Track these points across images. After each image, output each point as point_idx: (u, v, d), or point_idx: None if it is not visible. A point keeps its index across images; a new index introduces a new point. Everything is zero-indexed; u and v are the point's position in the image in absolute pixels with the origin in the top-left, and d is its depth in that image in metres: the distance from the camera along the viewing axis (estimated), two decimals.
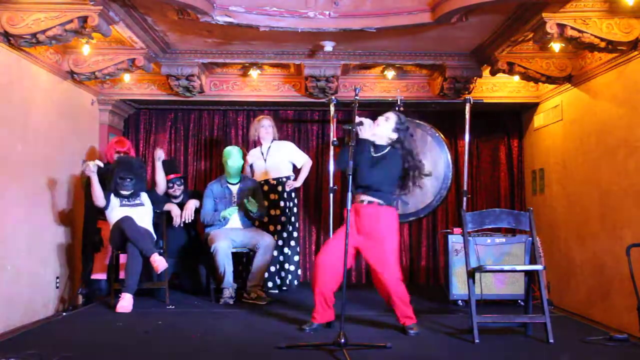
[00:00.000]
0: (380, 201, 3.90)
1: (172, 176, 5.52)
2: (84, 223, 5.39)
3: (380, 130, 4.01)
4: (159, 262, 4.59)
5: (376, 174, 3.89)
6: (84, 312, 4.67)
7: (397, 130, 3.99)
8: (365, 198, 3.92)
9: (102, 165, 4.97)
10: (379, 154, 3.98)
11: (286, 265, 5.61)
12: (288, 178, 5.69)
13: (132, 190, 5.02)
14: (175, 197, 5.54)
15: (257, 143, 5.87)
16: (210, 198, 5.40)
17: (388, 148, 4.00)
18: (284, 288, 5.59)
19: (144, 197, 5.12)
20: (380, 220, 3.88)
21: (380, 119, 4.05)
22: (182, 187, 5.60)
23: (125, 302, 4.59)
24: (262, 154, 5.71)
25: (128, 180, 4.96)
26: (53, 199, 5.00)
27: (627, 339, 3.78)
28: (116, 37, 4.73)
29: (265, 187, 5.63)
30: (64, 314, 4.79)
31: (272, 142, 5.75)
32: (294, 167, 5.84)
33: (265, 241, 5.06)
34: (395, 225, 3.99)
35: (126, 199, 5.02)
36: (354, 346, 3.34)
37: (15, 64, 4.43)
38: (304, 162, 5.84)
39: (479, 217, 4.04)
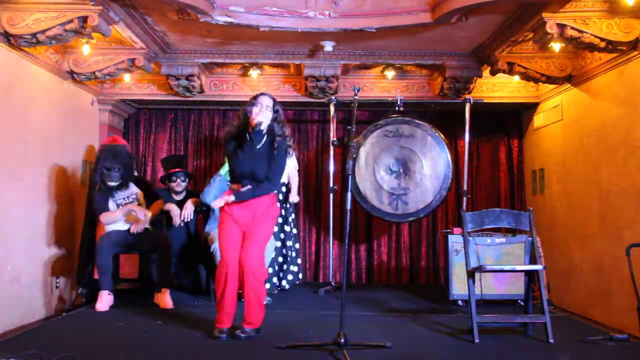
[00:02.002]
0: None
1: (175, 170, 5.49)
2: (84, 225, 5.34)
3: (264, 118, 3.76)
4: (100, 302, 4.62)
5: (258, 164, 3.72)
6: (84, 312, 4.67)
7: (274, 118, 3.79)
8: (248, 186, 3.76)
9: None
10: (260, 145, 3.77)
11: (285, 266, 5.60)
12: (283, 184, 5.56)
13: (120, 182, 4.90)
14: (177, 192, 5.50)
15: None
16: (215, 183, 5.31)
17: (265, 137, 3.78)
18: (284, 289, 5.59)
19: (140, 196, 5.02)
20: (261, 206, 3.75)
21: (263, 109, 3.74)
22: (185, 183, 5.55)
23: (168, 298, 4.76)
24: None
25: (115, 170, 4.87)
26: (53, 199, 5.00)
27: (627, 339, 3.78)
28: (116, 37, 4.73)
29: None
30: (64, 314, 4.78)
31: None
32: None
33: None
34: (274, 212, 3.87)
35: (121, 200, 4.94)
36: (354, 346, 3.34)
37: (15, 64, 4.43)
38: (291, 170, 5.51)
39: (479, 217, 4.04)
